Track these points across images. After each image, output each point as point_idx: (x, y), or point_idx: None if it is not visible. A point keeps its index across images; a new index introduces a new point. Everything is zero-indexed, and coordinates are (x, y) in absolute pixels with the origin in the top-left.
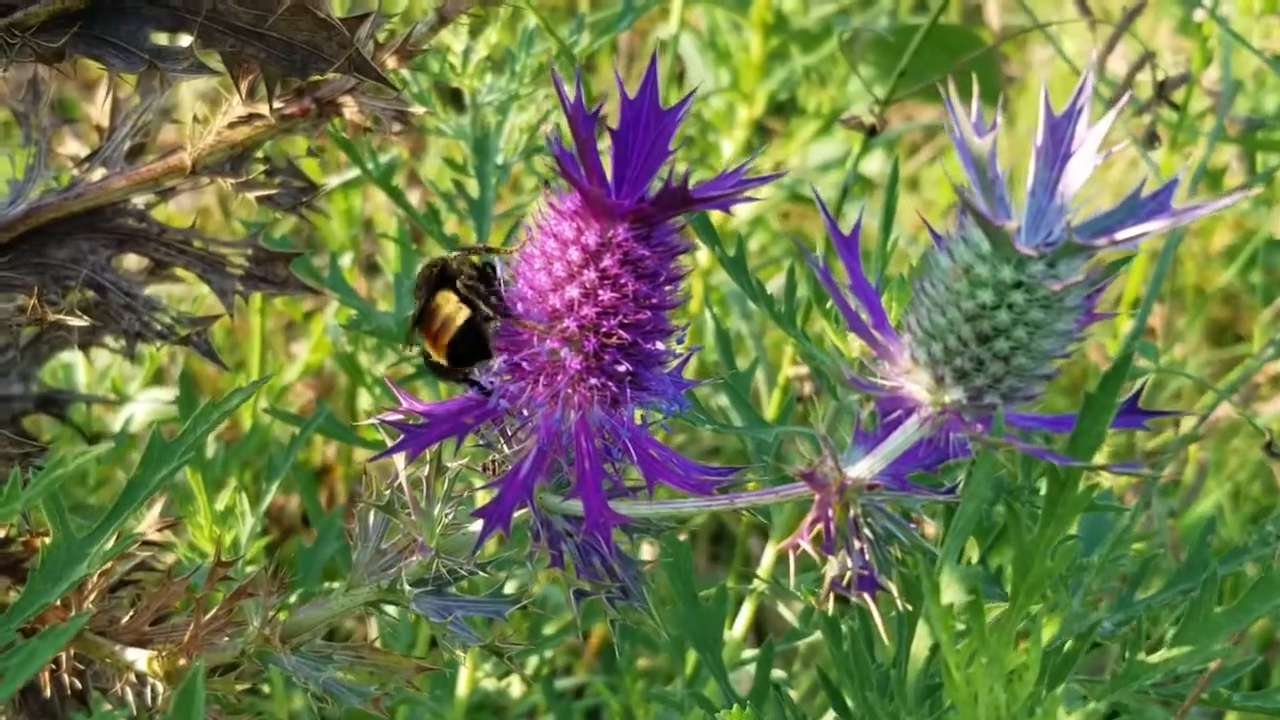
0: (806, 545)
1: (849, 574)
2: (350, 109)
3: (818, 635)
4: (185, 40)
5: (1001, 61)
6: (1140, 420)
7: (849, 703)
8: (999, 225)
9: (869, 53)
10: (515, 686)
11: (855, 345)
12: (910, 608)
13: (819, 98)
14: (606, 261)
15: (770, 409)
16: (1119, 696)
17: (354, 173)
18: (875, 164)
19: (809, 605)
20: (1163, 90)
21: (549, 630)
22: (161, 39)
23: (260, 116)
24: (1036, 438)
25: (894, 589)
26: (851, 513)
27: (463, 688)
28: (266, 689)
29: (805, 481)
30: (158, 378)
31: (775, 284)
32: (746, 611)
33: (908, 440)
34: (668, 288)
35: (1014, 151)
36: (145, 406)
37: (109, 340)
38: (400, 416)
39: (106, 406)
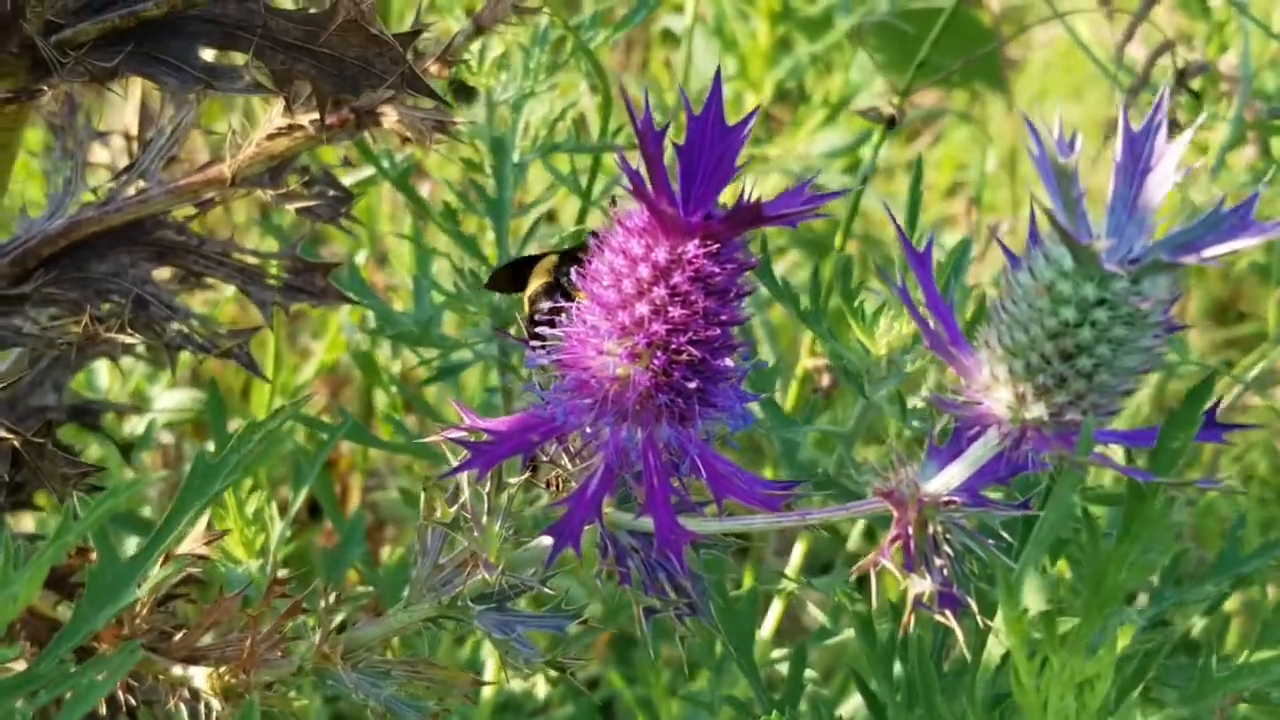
0: (888, 563)
1: (930, 591)
2: (390, 119)
3: (846, 635)
4: (237, 57)
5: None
6: (1219, 434)
7: (887, 707)
8: (1087, 245)
9: (871, 37)
10: (540, 687)
11: (883, 344)
12: (988, 622)
13: (826, 86)
14: (677, 278)
15: (788, 401)
16: (1191, 712)
17: (367, 172)
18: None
19: (838, 604)
20: (1182, 78)
21: (573, 629)
22: (209, 54)
23: (300, 127)
24: (1112, 451)
25: (973, 604)
26: (930, 529)
27: (488, 689)
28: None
29: (884, 499)
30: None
31: (779, 268)
32: (776, 611)
33: (984, 455)
34: (736, 303)
35: (1013, 134)
36: (167, 406)
37: (146, 349)
38: (464, 434)
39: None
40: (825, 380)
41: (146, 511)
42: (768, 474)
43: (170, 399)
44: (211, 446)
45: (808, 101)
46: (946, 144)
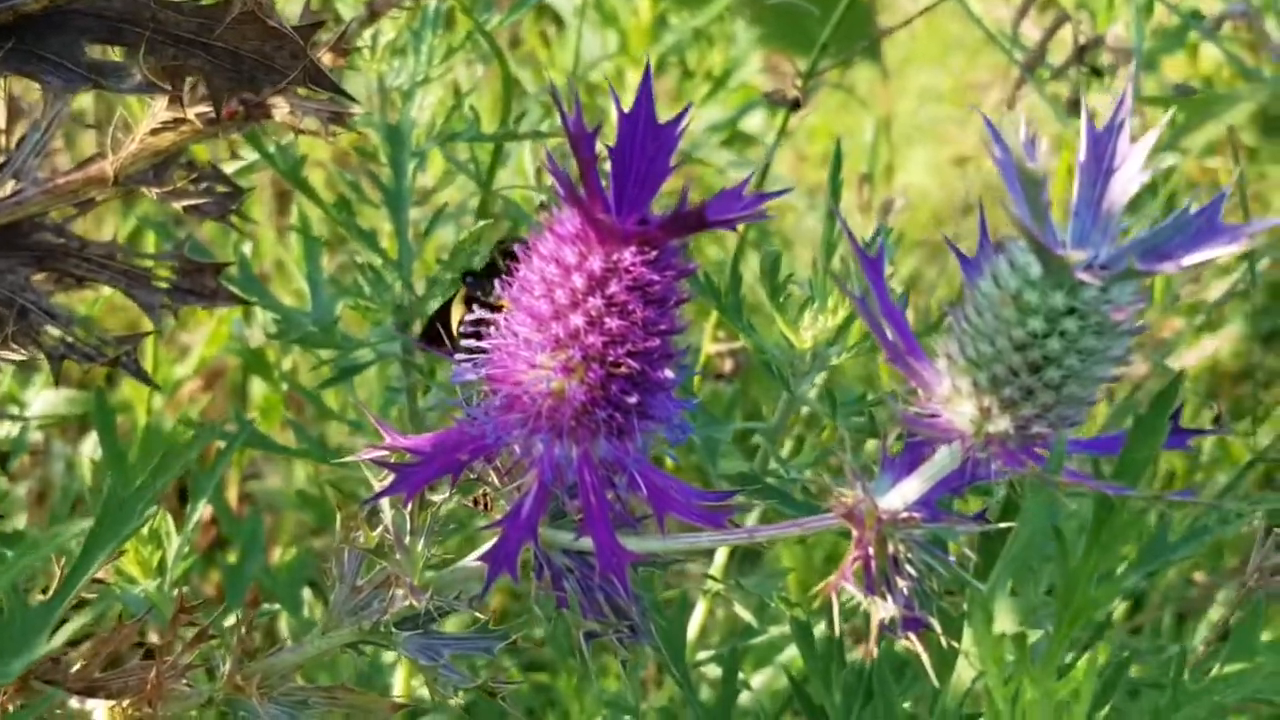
0: (850, 585)
1: (894, 616)
2: (281, 111)
3: (776, 634)
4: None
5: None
6: (1183, 440)
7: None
8: (1062, 256)
9: (748, 10)
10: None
11: (807, 337)
12: (954, 644)
13: (708, 60)
14: (614, 288)
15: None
16: None
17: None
18: (755, 120)
19: (762, 602)
20: (1082, 54)
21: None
22: (96, 51)
23: (186, 121)
24: (1074, 462)
25: (937, 626)
26: (890, 548)
27: (399, 689)
28: None
29: (845, 520)
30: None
31: None
32: (701, 610)
33: (943, 469)
34: (675, 311)
35: (889, 102)
36: (41, 410)
37: (18, 356)
38: (384, 453)
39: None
40: (729, 366)
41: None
42: (690, 478)
43: (44, 401)
44: (86, 449)
45: (690, 77)
46: (820, 112)
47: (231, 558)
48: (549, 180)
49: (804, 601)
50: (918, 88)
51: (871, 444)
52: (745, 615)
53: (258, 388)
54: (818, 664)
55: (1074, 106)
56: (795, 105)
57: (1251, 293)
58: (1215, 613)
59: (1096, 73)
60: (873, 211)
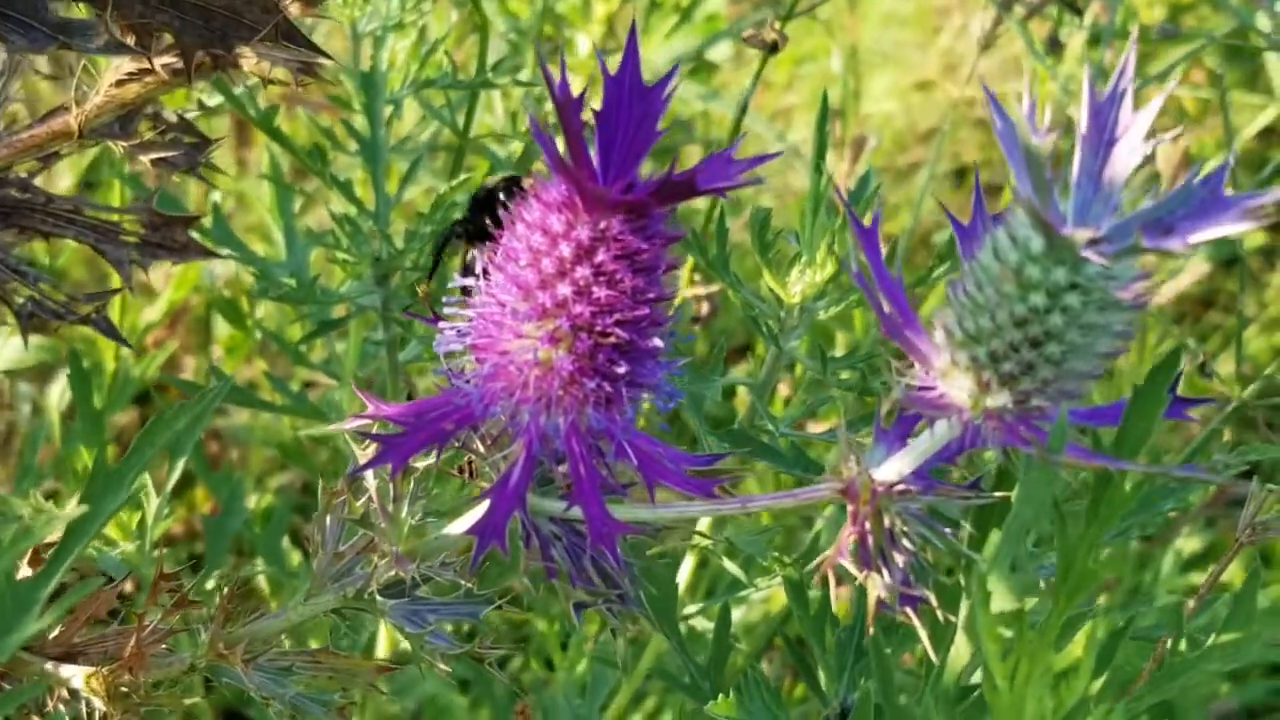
0: (847, 563)
1: (891, 591)
2: (249, 60)
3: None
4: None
5: None
6: (1182, 410)
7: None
8: (1066, 234)
9: None
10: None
11: (795, 292)
12: (951, 618)
13: None
14: (601, 256)
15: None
16: (1162, 695)
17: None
18: (722, 50)
19: (748, 557)
20: None
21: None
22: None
23: (151, 72)
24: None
25: (933, 599)
26: (887, 521)
27: (382, 649)
28: None
29: (842, 495)
30: None
31: None
32: (688, 566)
33: (939, 443)
34: (663, 279)
35: (855, 29)
36: (8, 357)
37: None
38: (367, 422)
39: None
40: (704, 309)
41: None
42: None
43: (11, 349)
44: (54, 392)
45: (658, 7)
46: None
47: (200, 496)
48: (524, 125)
49: (784, 553)
50: (880, 13)
51: (853, 400)
52: (734, 570)
53: (221, 325)
54: (811, 624)
55: (1053, 45)
56: (774, 49)
57: None
58: (1184, 544)
59: (1076, 10)
60: (844, 148)
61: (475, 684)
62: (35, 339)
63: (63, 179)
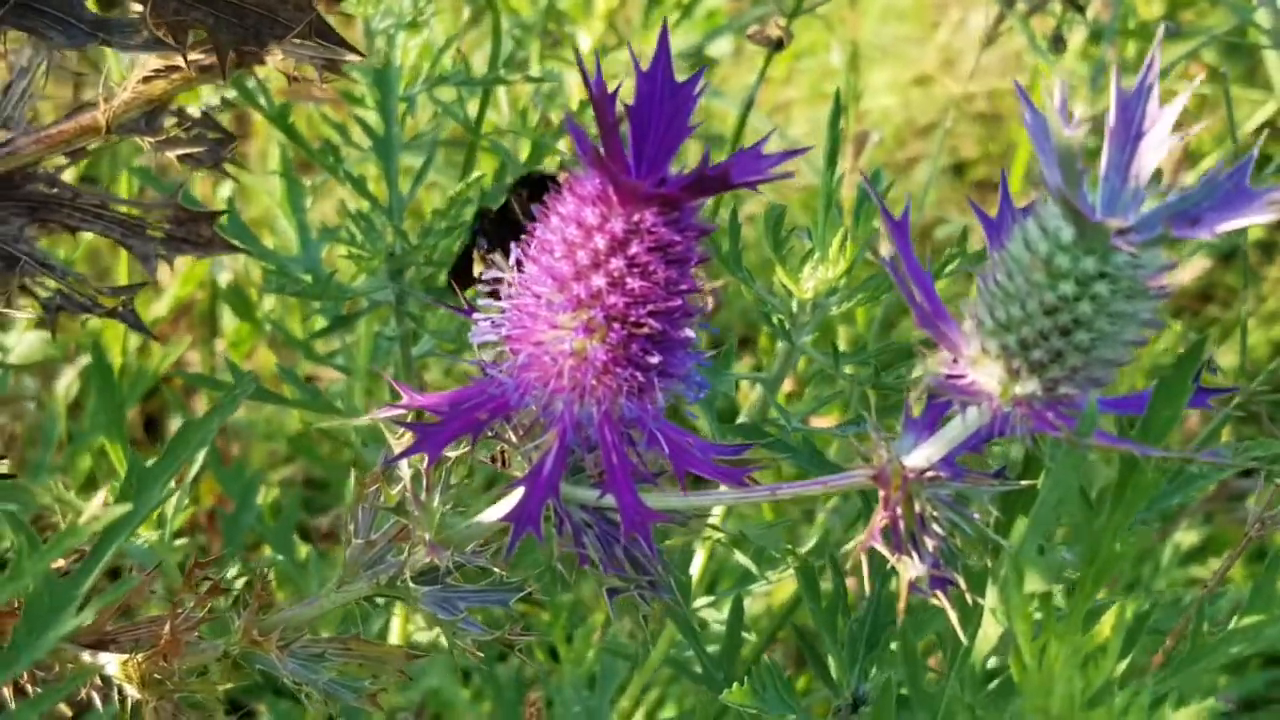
0: (879, 545)
1: (923, 575)
2: (275, 57)
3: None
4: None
5: None
6: (1204, 399)
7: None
8: (1098, 224)
9: None
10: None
11: (808, 288)
12: (979, 601)
13: None
14: (635, 248)
15: None
16: (1184, 680)
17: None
18: (722, 45)
19: (758, 549)
20: None
21: None
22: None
23: (177, 69)
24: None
25: (962, 582)
26: (917, 507)
27: (395, 640)
28: None
29: (872, 481)
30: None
31: None
32: (700, 559)
33: (968, 429)
34: (695, 271)
35: (855, 24)
36: (22, 353)
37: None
38: (402, 412)
39: None
40: (709, 302)
41: None
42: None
43: (25, 344)
44: (60, 387)
45: (660, 3)
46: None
47: (204, 489)
48: (534, 121)
49: (793, 545)
50: (879, 8)
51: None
52: (745, 562)
53: (227, 319)
54: (824, 614)
55: (1057, 42)
56: (779, 46)
57: None
58: (1183, 538)
59: (1078, 8)
60: (846, 144)
61: (477, 676)
62: (46, 335)
63: (62, 175)
